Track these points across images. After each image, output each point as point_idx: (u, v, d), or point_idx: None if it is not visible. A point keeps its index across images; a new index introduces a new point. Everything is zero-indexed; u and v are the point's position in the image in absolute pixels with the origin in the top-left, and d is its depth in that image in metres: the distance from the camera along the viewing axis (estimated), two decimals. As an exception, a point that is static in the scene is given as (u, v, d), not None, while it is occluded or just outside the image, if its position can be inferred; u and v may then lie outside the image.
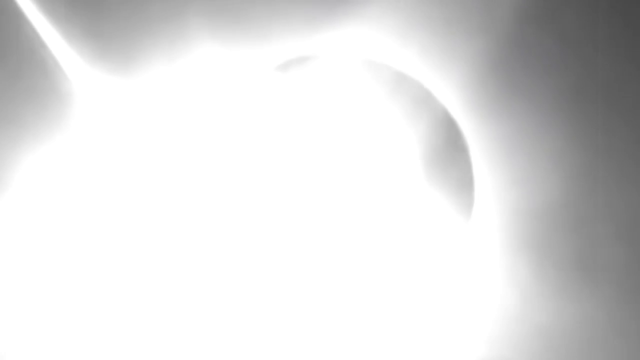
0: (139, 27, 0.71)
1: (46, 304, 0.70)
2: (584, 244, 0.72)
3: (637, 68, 0.74)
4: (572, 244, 0.72)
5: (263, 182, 0.71)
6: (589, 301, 0.72)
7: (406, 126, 0.71)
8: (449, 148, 0.72)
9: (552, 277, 0.72)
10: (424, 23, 0.73)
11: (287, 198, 0.71)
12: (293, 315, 0.72)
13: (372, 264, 0.71)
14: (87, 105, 0.70)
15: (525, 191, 0.72)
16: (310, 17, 0.73)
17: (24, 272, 0.70)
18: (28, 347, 0.70)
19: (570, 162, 0.73)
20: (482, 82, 0.73)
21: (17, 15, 0.70)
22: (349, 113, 0.71)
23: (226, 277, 0.71)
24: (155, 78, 0.71)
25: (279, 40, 0.73)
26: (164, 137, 0.72)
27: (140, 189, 0.71)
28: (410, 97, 0.72)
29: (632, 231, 0.73)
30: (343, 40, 0.73)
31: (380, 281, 0.72)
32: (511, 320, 0.72)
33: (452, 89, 0.73)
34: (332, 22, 0.73)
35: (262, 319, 0.71)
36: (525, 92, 0.73)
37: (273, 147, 0.71)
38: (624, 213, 0.73)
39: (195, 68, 0.71)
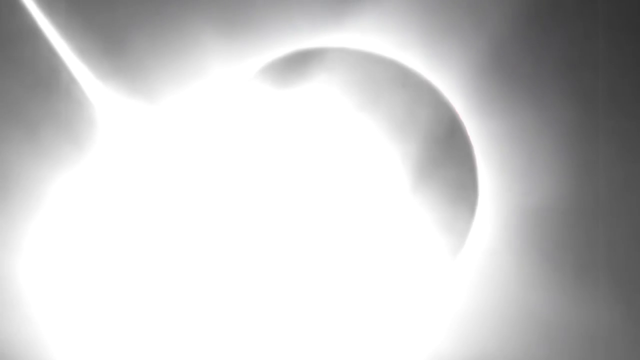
0: (159, 50, 0.73)
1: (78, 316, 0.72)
2: (585, 243, 0.72)
3: (638, 66, 0.74)
4: (573, 244, 0.72)
5: (248, 202, 0.72)
6: (589, 301, 0.72)
7: (406, 126, 0.72)
8: (449, 147, 0.72)
9: (552, 276, 0.72)
10: (423, 22, 0.73)
11: (288, 204, 0.72)
12: (278, 326, 0.72)
13: (369, 260, 0.72)
14: (109, 129, 0.72)
15: (525, 190, 0.72)
16: (312, 17, 0.74)
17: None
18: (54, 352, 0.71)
19: (571, 161, 0.73)
20: (481, 81, 0.73)
21: (44, 44, 0.72)
22: (347, 115, 0.72)
23: (216, 285, 0.72)
24: (176, 101, 0.73)
25: (285, 49, 0.74)
26: (185, 159, 0.73)
27: (161, 208, 0.73)
28: (409, 97, 0.72)
29: (634, 231, 0.73)
30: (342, 40, 0.73)
31: (375, 281, 0.72)
32: (510, 320, 0.72)
33: (451, 88, 0.73)
34: (331, 23, 0.73)
35: (241, 331, 0.72)
36: (525, 91, 0.73)
37: (271, 159, 0.72)
38: (625, 212, 0.73)
39: (211, 89, 0.73)
